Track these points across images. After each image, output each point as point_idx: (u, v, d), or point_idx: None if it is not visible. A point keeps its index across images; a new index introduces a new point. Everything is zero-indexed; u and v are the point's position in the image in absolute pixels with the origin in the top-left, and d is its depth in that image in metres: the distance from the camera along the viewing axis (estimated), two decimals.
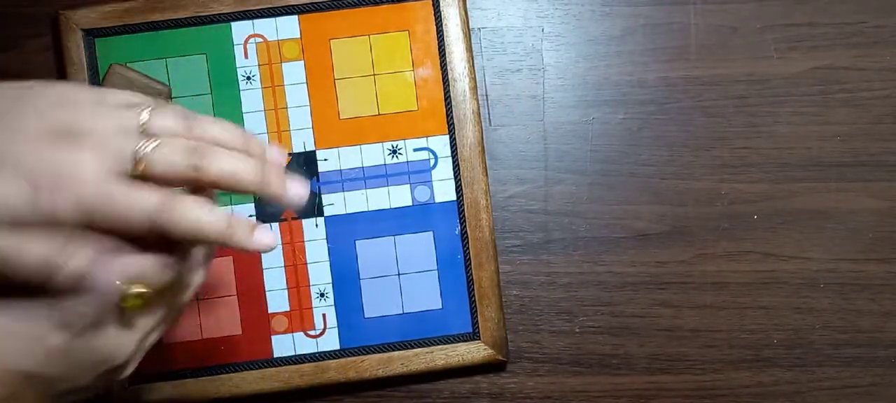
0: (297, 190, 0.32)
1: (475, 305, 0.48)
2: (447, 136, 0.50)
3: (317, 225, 0.49)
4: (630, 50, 0.54)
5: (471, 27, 0.52)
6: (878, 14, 0.55)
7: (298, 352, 0.48)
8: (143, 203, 0.28)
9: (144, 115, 0.28)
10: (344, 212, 0.49)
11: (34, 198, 0.27)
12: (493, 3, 0.56)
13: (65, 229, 0.27)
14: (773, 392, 0.43)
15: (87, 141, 0.27)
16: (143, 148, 0.28)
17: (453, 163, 0.49)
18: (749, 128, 0.52)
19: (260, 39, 0.49)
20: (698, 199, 0.49)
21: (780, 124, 0.52)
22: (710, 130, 0.52)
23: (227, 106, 0.49)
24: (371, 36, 0.50)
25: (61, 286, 0.27)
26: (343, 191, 0.49)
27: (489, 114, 0.51)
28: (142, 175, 0.28)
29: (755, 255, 0.47)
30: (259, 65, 0.49)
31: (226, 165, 0.29)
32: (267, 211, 0.49)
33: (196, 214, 0.28)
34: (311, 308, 0.49)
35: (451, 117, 0.50)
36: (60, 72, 0.50)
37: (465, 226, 0.49)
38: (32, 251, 0.27)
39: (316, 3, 0.49)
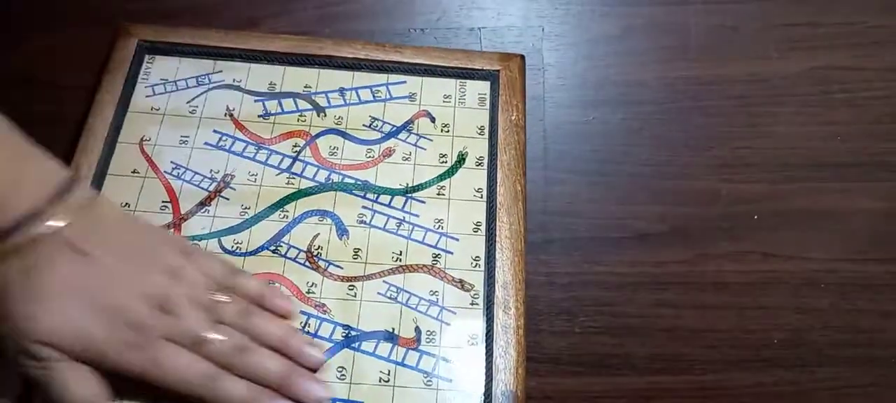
0: (315, 391, 0.38)
1: None
2: None
3: None
4: (630, 50, 0.54)
5: (471, 27, 0.53)
6: (878, 14, 0.55)
7: None
8: (194, 369, 0.36)
9: (216, 305, 0.37)
10: None
11: (120, 348, 0.35)
12: (493, 2, 0.56)
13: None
14: (773, 392, 0.43)
15: (173, 317, 0.36)
16: (207, 335, 0.36)
17: None
18: (749, 128, 0.52)
19: None
20: (698, 199, 0.49)
21: (780, 124, 0.52)
22: (709, 130, 0.52)
23: None
24: None
25: None
26: None
27: None
28: (196, 349, 0.36)
29: (755, 255, 0.47)
30: None
31: (257, 365, 0.37)
32: None
33: (233, 388, 0.36)
34: None
35: None
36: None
37: None
38: (80, 392, 0.35)
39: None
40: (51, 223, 0.34)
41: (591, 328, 0.45)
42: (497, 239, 0.44)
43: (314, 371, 0.39)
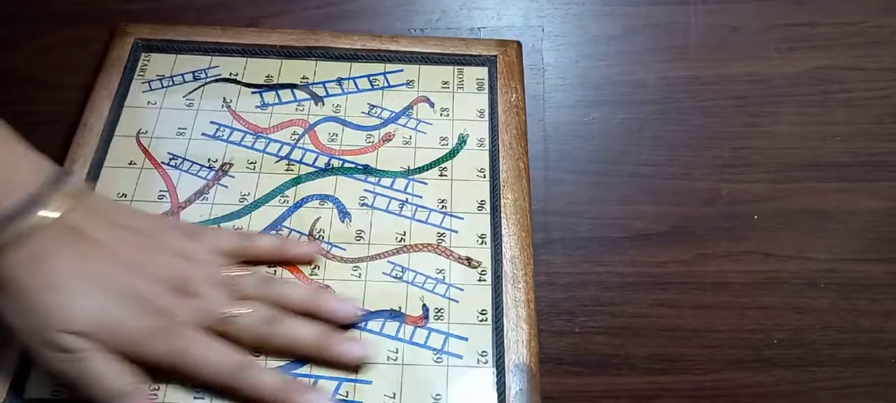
0: (353, 351, 0.37)
1: None
2: None
3: None
4: (630, 50, 0.54)
5: (471, 27, 0.53)
6: (878, 14, 0.55)
7: None
8: (223, 359, 0.35)
9: (234, 280, 0.36)
10: None
11: (149, 335, 0.34)
12: (493, 3, 0.56)
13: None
14: (773, 392, 0.43)
15: (194, 298, 0.35)
16: (232, 311, 0.35)
17: None
18: (749, 128, 0.52)
19: None
20: (698, 199, 0.49)
21: (780, 124, 0.52)
22: (710, 130, 0.51)
23: None
24: None
25: None
26: None
27: None
28: (224, 332, 0.35)
29: (755, 255, 0.47)
30: None
31: (289, 336, 0.36)
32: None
33: (261, 380, 0.35)
34: None
35: None
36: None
37: None
38: (115, 382, 0.33)
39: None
40: (45, 212, 0.33)
41: (591, 328, 0.45)
42: (502, 214, 0.44)
43: (349, 326, 0.39)
